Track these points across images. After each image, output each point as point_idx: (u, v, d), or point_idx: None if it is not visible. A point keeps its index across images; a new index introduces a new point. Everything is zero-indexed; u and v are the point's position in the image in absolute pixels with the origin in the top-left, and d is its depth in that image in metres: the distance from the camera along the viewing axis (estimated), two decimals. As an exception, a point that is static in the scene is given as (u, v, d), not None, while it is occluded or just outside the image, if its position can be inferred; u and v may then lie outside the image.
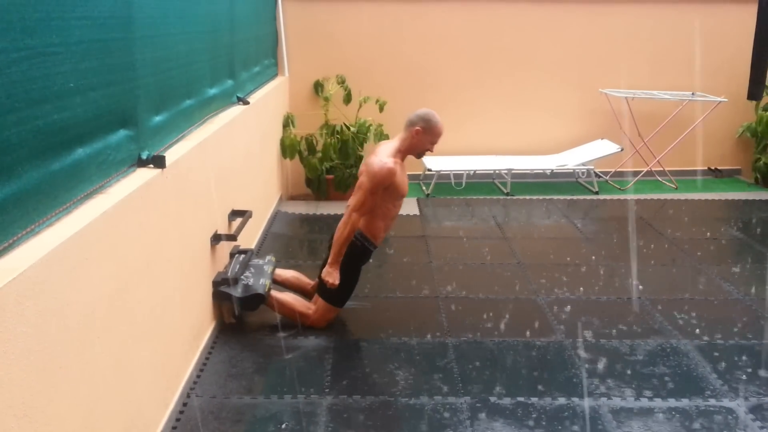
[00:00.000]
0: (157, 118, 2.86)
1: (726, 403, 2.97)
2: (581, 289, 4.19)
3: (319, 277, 3.74)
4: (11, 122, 1.72)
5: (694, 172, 7.12)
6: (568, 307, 3.93)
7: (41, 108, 1.88)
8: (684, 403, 2.96)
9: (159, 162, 2.66)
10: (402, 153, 3.54)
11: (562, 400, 2.97)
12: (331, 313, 3.60)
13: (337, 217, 5.65)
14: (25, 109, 1.79)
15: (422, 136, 3.49)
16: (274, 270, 3.84)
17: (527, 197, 6.29)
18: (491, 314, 3.80)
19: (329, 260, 3.51)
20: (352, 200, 3.51)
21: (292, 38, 6.47)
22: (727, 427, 2.79)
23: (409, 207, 5.95)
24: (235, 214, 3.92)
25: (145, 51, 2.68)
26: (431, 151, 3.57)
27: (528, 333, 3.60)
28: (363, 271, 3.70)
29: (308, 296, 3.80)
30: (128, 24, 2.51)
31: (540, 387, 3.08)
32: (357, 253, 3.56)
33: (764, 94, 6.16)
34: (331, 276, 3.49)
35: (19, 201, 1.77)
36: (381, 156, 3.47)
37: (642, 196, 6.34)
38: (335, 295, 3.58)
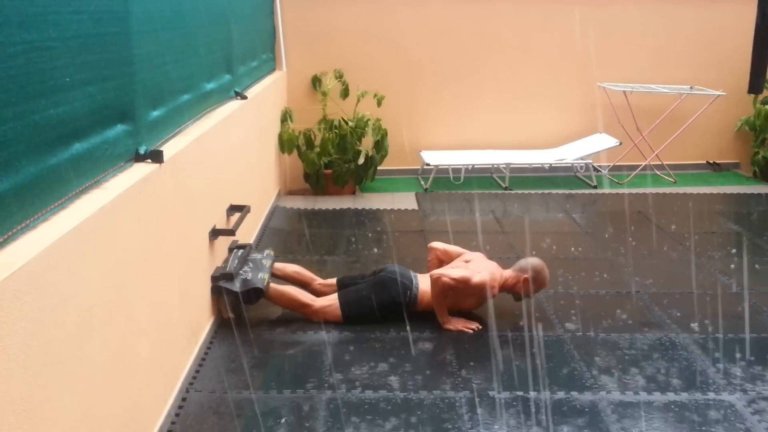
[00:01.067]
0: (155, 113, 2.85)
1: (725, 396, 2.97)
2: (580, 282, 4.19)
3: (340, 281, 3.80)
4: (8, 117, 1.71)
5: (692, 166, 7.13)
6: (567, 300, 3.93)
7: (38, 103, 1.87)
8: (683, 396, 2.97)
9: (157, 157, 2.65)
10: (502, 286, 3.67)
11: (560, 394, 2.98)
12: (336, 318, 3.60)
13: (335, 212, 5.68)
14: (21, 103, 1.78)
15: (527, 284, 3.64)
16: (272, 264, 3.84)
17: (526, 191, 6.28)
18: (490, 308, 3.80)
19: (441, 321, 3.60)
20: (444, 276, 3.51)
21: (290, 33, 6.46)
22: (726, 421, 2.80)
23: (407, 202, 5.96)
24: (233, 208, 3.91)
25: (143, 45, 2.67)
26: (529, 298, 3.71)
27: (527, 327, 3.60)
28: (362, 266, 3.69)
29: (311, 292, 3.80)
30: (125, 18, 2.50)
31: (538, 381, 3.08)
32: (395, 297, 3.59)
33: (765, 87, 6.16)
34: (452, 324, 3.58)
35: (16, 195, 1.76)
36: (491, 273, 3.59)
37: (640, 190, 6.34)
38: (354, 310, 3.59)
